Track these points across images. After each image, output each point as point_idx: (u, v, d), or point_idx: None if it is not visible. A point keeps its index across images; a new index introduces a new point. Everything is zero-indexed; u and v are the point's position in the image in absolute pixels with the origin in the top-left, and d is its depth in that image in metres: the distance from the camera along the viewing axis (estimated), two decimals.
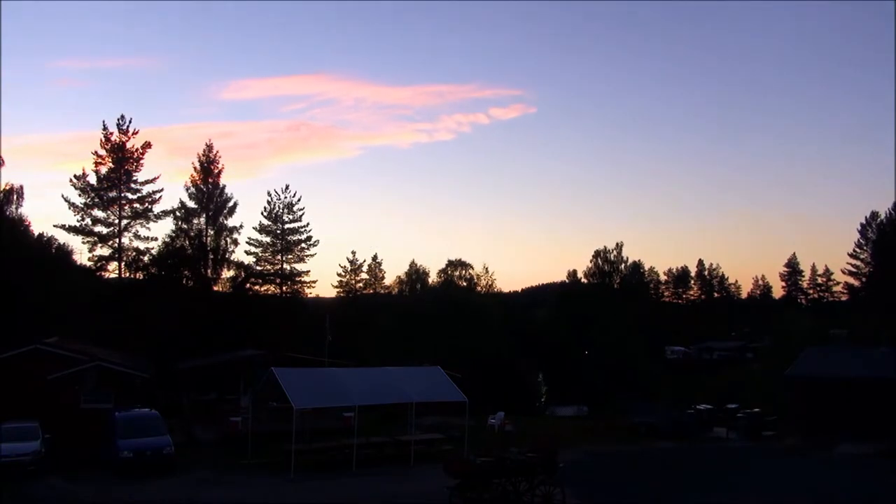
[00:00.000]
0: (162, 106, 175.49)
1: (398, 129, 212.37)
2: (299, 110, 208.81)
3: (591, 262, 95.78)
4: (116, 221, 54.06)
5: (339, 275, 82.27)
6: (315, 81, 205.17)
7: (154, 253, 54.95)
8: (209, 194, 58.01)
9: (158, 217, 55.51)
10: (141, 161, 54.64)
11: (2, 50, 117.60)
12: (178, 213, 56.56)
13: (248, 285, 61.31)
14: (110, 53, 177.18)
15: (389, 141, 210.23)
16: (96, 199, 53.71)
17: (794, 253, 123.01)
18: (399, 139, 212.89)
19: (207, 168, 58.42)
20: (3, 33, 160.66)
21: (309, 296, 69.82)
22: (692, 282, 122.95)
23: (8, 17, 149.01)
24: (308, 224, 67.04)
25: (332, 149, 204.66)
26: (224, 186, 58.83)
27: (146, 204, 54.82)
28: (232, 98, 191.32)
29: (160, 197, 55.16)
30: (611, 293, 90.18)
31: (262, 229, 66.02)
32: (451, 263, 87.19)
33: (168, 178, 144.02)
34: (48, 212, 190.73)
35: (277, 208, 66.60)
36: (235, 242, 59.08)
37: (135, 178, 54.62)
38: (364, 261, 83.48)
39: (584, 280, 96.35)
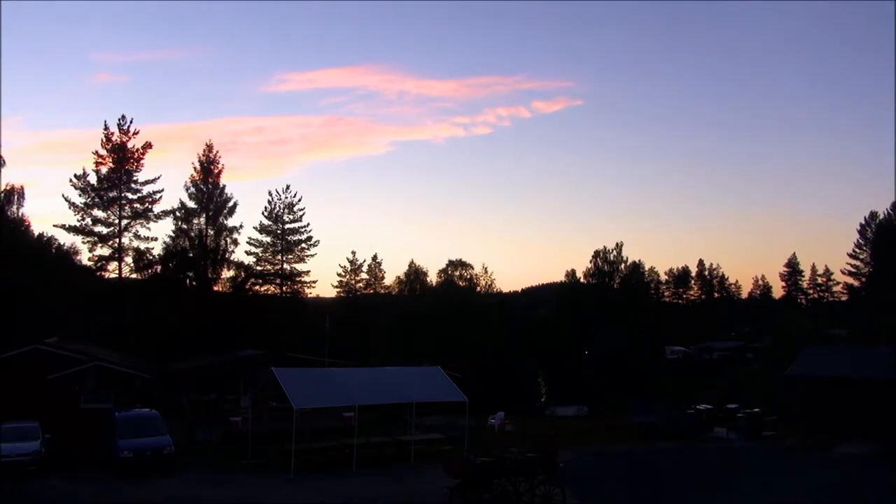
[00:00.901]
0: (201, 100, 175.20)
1: (436, 123, 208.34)
2: (339, 104, 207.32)
3: (590, 262, 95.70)
4: (116, 221, 54.11)
5: (339, 275, 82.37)
6: (359, 74, 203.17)
7: (154, 253, 55.05)
8: (209, 194, 58.00)
9: (158, 217, 55.62)
10: (141, 161, 54.76)
11: (1, 51, 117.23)
12: (178, 214, 56.65)
13: (248, 285, 61.34)
14: (150, 45, 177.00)
15: (425, 135, 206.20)
16: (96, 199, 53.75)
17: (794, 253, 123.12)
18: (435, 133, 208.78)
19: (207, 168, 58.43)
20: (41, 29, 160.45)
21: (309, 296, 69.93)
22: (692, 282, 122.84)
23: (46, 12, 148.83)
24: (308, 224, 67.19)
25: (363, 145, 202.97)
26: (224, 186, 58.93)
27: (146, 204, 54.91)
28: (273, 91, 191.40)
29: (160, 197, 55.32)
30: (611, 293, 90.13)
31: (262, 229, 66.12)
32: (451, 263, 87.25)
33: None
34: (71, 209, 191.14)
35: (278, 208, 66.67)
36: (235, 242, 59.19)
37: (135, 178, 54.70)
38: (364, 261, 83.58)
39: (583, 280, 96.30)
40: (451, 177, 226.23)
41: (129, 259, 54.05)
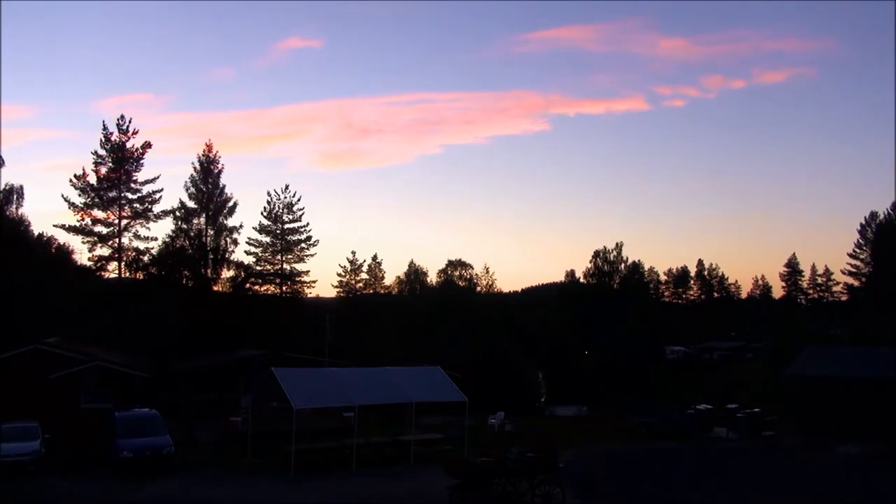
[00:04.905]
0: (387, 71, 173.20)
1: (631, 95, 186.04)
2: (536, 73, 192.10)
3: (590, 262, 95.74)
4: (116, 221, 54.14)
5: (338, 275, 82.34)
6: (589, 33, 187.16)
7: (154, 253, 55.05)
8: (209, 194, 57.98)
9: (158, 217, 55.65)
10: (141, 161, 54.84)
11: (1, 49, 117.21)
12: (177, 213, 56.66)
13: (247, 285, 61.31)
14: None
15: (597, 110, 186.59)
16: (96, 199, 53.78)
17: (794, 253, 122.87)
18: (611, 106, 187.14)
19: (207, 168, 58.40)
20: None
21: (309, 296, 69.86)
22: (692, 282, 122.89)
23: None
24: (308, 224, 67.13)
25: (511, 125, 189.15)
26: (224, 186, 58.83)
27: (146, 204, 54.95)
28: (483, 57, 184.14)
29: (160, 197, 55.39)
30: (611, 293, 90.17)
31: (261, 229, 66.03)
32: (451, 263, 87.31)
33: (343, 159, 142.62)
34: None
35: (277, 208, 66.62)
36: (235, 242, 59.13)
37: (135, 178, 54.75)
38: (364, 261, 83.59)
39: (583, 280, 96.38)
40: (457, 177, 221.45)
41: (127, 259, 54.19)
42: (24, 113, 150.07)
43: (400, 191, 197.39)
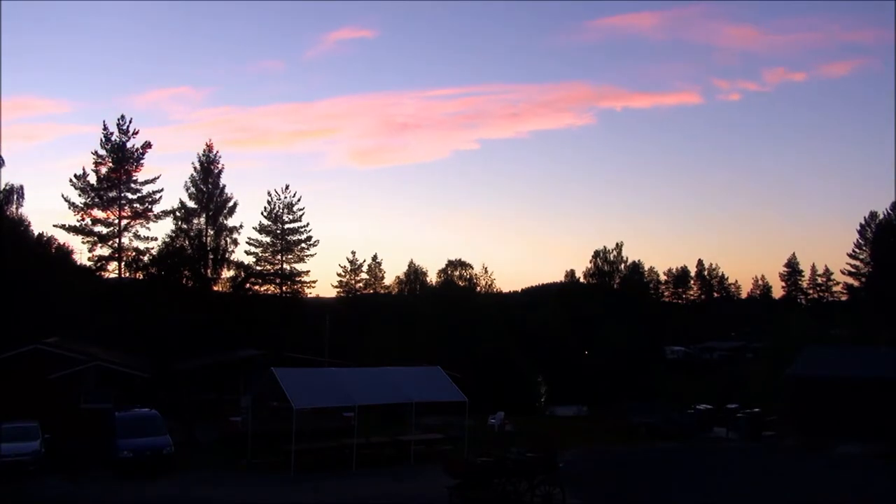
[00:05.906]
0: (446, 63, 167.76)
1: (686, 88, 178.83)
2: (596, 63, 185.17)
3: (590, 262, 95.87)
4: (116, 221, 54.13)
5: (338, 275, 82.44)
6: (652, 20, 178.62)
7: (154, 253, 55.03)
8: (209, 194, 57.94)
9: (158, 217, 55.61)
10: (141, 161, 54.80)
11: (1, 49, 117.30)
12: (177, 213, 56.60)
13: (247, 285, 61.32)
14: None
15: (643, 104, 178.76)
16: (96, 199, 53.77)
17: (794, 253, 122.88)
18: (658, 100, 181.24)
19: (207, 168, 58.38)
20: None
21: (309, 296, 69.95)
22: (692, 282, 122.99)
23: None
24: (308, 224, 67.23)
25: (550, 120, 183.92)
26: (224, 186, 58.76)
27: (146, 204, 54.92)
28: (541, 47, 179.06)
29: (160, 197, 55.35)
30: (611, 293, 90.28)
31: (261, 229, 66.12)
32: (450, 263, 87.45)
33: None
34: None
35: (277, 208, 66.68)
36: (235, 242, 59.08)
37: (135, 178, 54.72)
38: (364, 261, 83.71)
39: (583, 280, 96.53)
40: (463, 177, 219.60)
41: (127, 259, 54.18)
42: (63, 108, 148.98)
43: (404, 190, 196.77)
